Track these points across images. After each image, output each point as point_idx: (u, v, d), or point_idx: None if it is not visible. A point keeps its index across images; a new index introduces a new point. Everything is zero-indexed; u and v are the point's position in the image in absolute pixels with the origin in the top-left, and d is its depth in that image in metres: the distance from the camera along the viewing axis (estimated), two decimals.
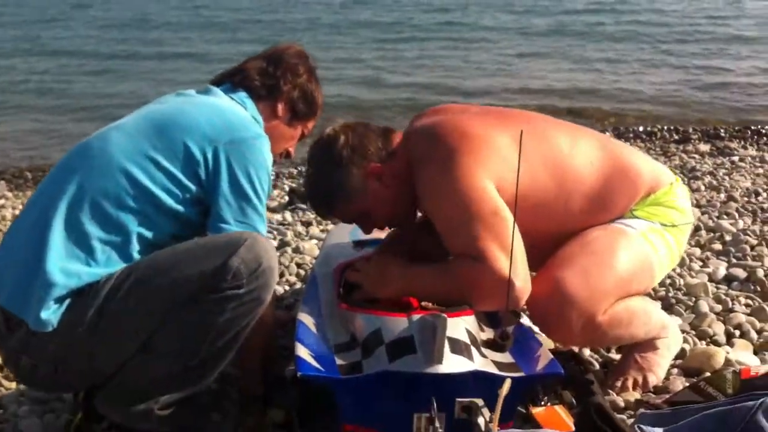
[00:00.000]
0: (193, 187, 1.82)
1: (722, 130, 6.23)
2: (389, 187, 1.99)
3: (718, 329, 2.42)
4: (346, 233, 2.60)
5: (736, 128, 6.34)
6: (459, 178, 1.82)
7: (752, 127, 6.29)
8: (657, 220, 2.03)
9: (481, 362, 1.64)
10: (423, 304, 1.78)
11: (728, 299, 2.62)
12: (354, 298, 1.96)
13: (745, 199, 4.04)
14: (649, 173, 2.08)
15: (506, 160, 1.85)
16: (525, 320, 1.91)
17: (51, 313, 1.69)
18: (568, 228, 1.98)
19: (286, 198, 4.81)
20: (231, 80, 2.09)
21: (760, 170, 4.78)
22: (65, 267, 1.70)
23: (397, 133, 2.07)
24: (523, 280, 1.78)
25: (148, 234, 1.80)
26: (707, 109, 7.39)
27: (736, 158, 5.23)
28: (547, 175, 1.96)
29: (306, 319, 1.91)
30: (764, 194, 4.12)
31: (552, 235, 1.97)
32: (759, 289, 2.73)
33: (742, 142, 5.77)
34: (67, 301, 1.71)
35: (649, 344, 2.08)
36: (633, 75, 9.31)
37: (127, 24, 16.67)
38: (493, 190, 1.83)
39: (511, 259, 1.69)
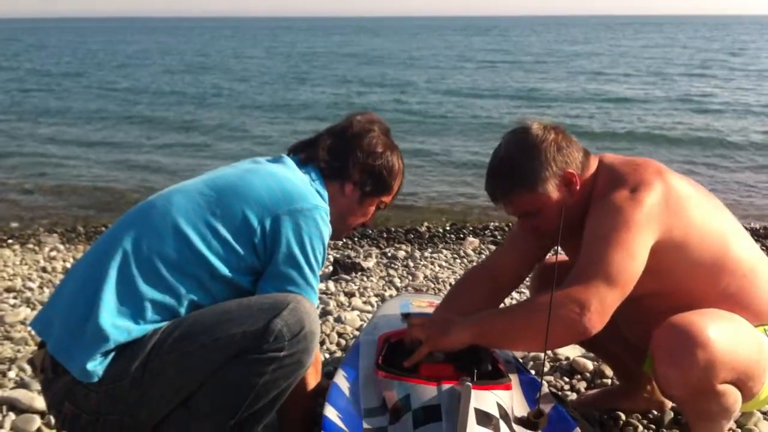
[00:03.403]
0: (248, 256, 1.83)
1: None
2: (571, 197, 2.00)
3: None
4: (396, 306, 2.60)
5: None
6: (634, 209, 1.85)
7: None
8: None
9: None
10: (461, 379, 1.75)
11: None
12: (413, 357, 1.89)
13: None
14: None
15: (688, 205, 1.91)
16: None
17: (97, 365, 1.71)
18: (701, 301, 1.91)
19: (330, 268, 4.85)
20: (303, 154, 2.08)
21: None
22: (116, 322, 1.72)
23: (593, 156, 2.08)
24: (600, 311, 1.77)
25: (200, 298, 1.81)
26: None
27: None
28: (712, 243, 1.93)
29: (341, 382, 1.90)
30: None
31: (683, 293, 1.93)
32: None
33: None
34: (113, 354, 1.73)
35: None
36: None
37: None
38: (648, 243, 1.85)
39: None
